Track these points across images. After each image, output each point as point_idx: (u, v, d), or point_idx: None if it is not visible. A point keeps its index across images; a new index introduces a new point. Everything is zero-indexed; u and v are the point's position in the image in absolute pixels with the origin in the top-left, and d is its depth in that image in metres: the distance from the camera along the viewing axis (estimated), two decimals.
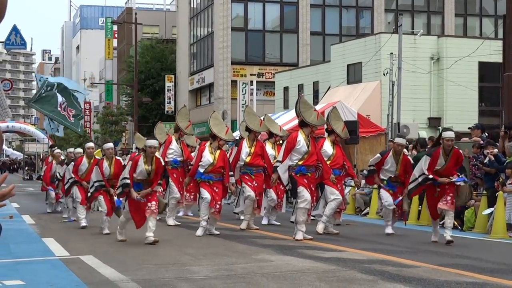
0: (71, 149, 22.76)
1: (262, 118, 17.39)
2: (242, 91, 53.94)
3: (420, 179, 14.73)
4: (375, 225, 18.04)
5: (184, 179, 17.55)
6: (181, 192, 18.61)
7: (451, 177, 14.43)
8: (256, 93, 53.89)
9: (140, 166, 13.90)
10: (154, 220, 13.82)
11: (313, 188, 14.55)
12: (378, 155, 16.58)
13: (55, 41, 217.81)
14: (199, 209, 19.43)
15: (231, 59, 61.98)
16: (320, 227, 15.79)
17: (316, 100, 46.15)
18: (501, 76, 25.94)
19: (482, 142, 18.94)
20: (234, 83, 59.24)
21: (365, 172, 17.66)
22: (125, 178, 14.07)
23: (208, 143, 15.58)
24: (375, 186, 19.51)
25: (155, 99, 71.02)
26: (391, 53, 38.77)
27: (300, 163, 14.61)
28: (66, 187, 19.63)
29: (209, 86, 65.30)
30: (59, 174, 22.06)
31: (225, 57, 61.95)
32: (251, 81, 54.67)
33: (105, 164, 17.19)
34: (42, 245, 14.07)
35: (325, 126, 16.99)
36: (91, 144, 19.55)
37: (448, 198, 14.50)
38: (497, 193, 16.71)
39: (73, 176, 18.94)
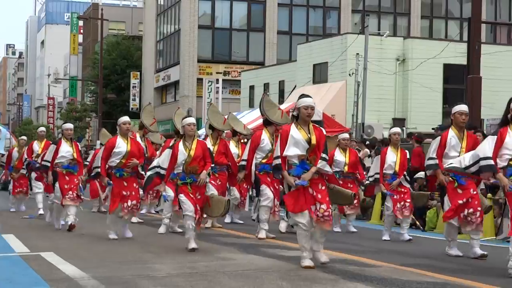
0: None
1: (226, 116, 17.40)
2: (208, 89, 53.96)
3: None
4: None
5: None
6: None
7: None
8: (222, 92, 53.91)
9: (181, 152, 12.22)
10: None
11: (276, 187, 14.54)
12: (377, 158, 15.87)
13: (20, 36, 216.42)
14: (157, 205, 19.49)
15: (197, 57, 61.91)
16: (283, 226, 15.83)
17: (281, 99, 46.20)
18: (465, 78, 26.18)
19: None
20: (200, 81, 59.17)
21: (367, 182, 16.47)
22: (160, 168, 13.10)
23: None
24: None
25: (120, 96, 70.81)
26: (357, 54, 38.97)
27: (263, 161, 14.68)
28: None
29: (174, 83, 65.18)
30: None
31: (192, 55, 61.86)
32: (217, 79, 54.71)
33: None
34: (2, 241, 13.94)
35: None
36: (69, 125, 16.88)
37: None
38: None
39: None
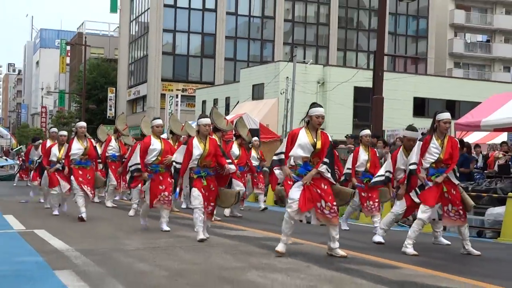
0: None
1: (183, 124, 17.26)
2: (169, 103, 53.74)
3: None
4: (270, 211, 18.07)
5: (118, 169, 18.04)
6: (118, 180, 18.55)
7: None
8: (181, 105, 53.72)
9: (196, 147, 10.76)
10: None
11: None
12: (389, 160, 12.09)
13: (19, 57, 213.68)
14: (129, 193, 19.23)
15: (161, 76, 61.79)
16: (227, 211, 15.85)
17: (227, 112, 46.20)
18: (371, 98, 26.42)
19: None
20: (163, 96, 59.08)
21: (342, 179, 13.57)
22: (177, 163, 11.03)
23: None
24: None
25: (99, 106, 70.23)
26: (287, 77, 39.14)
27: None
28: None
29: (143, 97, 64.90)
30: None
31: (157, 75, 61.70)
32: (177, 95, 54.52)
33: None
34: (3, 220, 13.76)
35: (234, 132, 17.10)
36: (83, 124, 14.74)
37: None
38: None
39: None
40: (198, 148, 10.62)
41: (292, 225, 9.13)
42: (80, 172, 13.92)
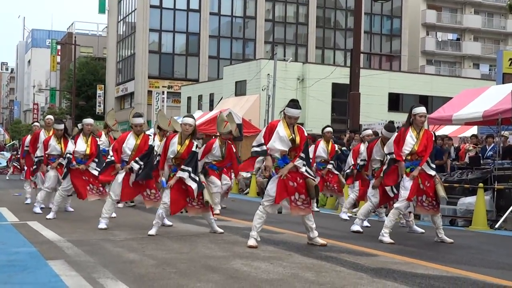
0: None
1: (169, 119, 17.04)
2: (156, 99, 53.70)
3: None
4: (253, 202, 18.09)
5: None
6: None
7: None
8: (166, 101, 53.67)
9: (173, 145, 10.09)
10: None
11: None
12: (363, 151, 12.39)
13: (11, 56, 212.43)
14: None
15: (148, 74, 61.60)
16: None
17: (211, 107, 46.20)
18: (348, 94, 26.50)
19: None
20: (150, 92, 58.98)
21: (348, 171, 13.43)
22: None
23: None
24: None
25: (88, 103, 70.02)
26: (268, 74, 39.18)
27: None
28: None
29: (130, 94, 64.68)
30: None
31: (143, 73, 61.50)
32: (163, 92, 54.50)
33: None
34: None
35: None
36: (90, 121, 13.09)
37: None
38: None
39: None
40: (174, 146, 10.03)
41: (263, 220, 9.10)
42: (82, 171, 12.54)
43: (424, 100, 42.52)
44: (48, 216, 12.35)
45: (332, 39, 65.45)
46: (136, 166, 10.79)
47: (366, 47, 61.79)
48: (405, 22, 66.32)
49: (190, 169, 9.77)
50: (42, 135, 14.81)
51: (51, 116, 15.38)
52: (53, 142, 13.55)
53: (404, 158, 9.90)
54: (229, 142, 14.85)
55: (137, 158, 10.84)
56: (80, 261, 7.49)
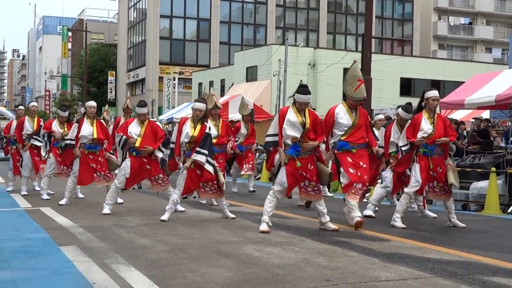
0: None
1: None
2: (167, 85, 53.66)
3: None
4: (265, 187, 18.04)
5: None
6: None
7: None
8: (178, 87, 53.60)
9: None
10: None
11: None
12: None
13: (23, 43, 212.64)
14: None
15: (159, 60, 61.60)
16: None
17: (222, 93, 46.15)
18: None
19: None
20: (161, 79, 59.00)
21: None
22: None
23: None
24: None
25: (100, 89, 70.10)
26: (279, 60, 39.01)
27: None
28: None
29: (142, 80, 64.76)
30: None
31: (154, 59, 61.50)
32: (174, 78, 54.42)
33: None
34: (11, 199, 13.72)
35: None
36: (92, 103, 12.71)
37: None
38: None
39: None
40: (187, 130, 9.99)
41: (274, 204, 9.12)
42: (91, 157, 12.32)
43: (436, 84, 42.26)
44: (60, 202, 12.36)
45: (344, 24, 65.17)
46: (160, 154, 10.84)
47: (378, 32, 61.45)
48: (416, 6, 65.91)
49: (206, 152, 9.79)
50: (27, 123, 14.71)
51: (35, 103, 15.35)
52: (55, 127, 13.55)
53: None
54: (250, 123, 16.56)
55: (160, 145, 10.85)
56: (92, 246, 7.52)
